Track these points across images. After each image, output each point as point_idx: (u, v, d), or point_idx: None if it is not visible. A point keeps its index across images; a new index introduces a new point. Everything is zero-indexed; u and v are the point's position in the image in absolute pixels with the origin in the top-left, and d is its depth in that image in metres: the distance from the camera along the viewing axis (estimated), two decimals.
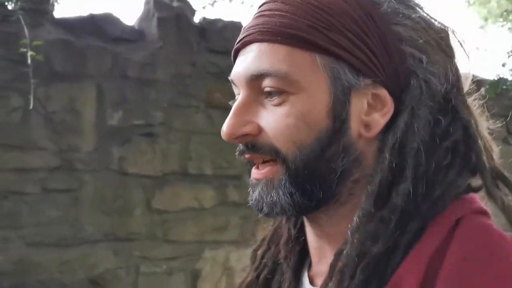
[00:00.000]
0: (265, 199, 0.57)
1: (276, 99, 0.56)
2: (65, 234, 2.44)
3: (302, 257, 0.65)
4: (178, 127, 2.72)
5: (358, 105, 0.57)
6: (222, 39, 2.86)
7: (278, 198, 0.56)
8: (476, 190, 0.59)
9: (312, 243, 0.62)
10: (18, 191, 2.36)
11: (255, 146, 0.57)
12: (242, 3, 4.50)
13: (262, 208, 0.58)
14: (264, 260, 0.68)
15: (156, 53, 2.69)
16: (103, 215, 2.53)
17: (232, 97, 2.72)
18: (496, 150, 0.61)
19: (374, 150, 0.57)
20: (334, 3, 0.56)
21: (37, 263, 2.38)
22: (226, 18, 2.97)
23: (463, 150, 0.57)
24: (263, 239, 0.70)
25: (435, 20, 0.60)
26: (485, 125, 0.60)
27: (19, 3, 2.30)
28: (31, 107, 2.09)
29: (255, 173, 0.59)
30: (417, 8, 0.60)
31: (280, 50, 0.56)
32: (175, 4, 2.82)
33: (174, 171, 2.71)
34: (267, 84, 0.56)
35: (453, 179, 0.55)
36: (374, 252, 0.52)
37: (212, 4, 4.19)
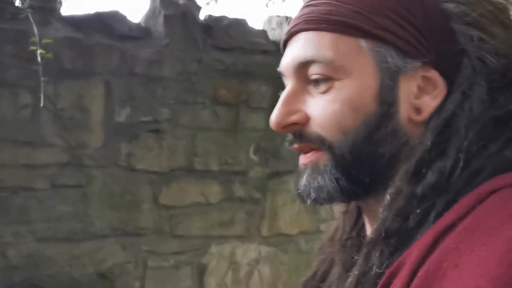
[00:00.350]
0: (312, 184, 0.57)
1: (322, 86, 0.56)
2: (75, 229, 2.48)
3: (356, 252, 0.63)
4: (184, 123, 2.75)
5: (407, 89, 0.55)
6: (227, 37, 2.89)
7: (324, 183, 0.56)
8: None
9: (369, 233, 0.61)
10: (28, 186, 2.40)
11: (303, 135, 0.57)
12: None
13: (309, 194, 0.58)
14: (322, 256, 0.68)
15: (162, 50, 2.72)
16: (111, 211, 2.57)
17: (238, 94, 2.79)
18: None
19: (424, 133, 0.55)
20: None
21: (47, 258, 2.42)
22: (231, 15, 3.00)
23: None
24: (326, 237, 0.70)
25: None
26: None
27: (27, 1, 2.33)
28: (41, 104, 2.13)
29: (302, 158, 0.59)
30: None
31: (326, 37, 0.56)
32: (181, 1, 2.85)
33: (180, 167, 2.74)
34: (314, 71, 0.56)
35: (495, 151, 0.51)
36: (401, 228, 0.50)
37: (216, 0, 4.21)
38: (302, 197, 0.59)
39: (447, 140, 0.52)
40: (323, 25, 0.56)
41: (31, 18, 2.24)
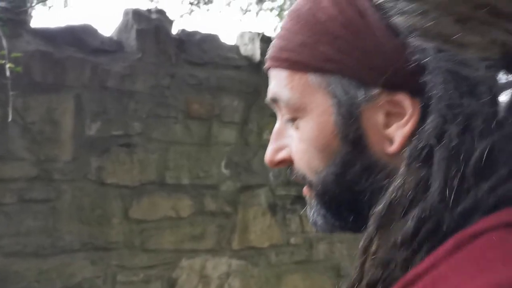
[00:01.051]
0: (311, 217, 0.58)
1: (293, 124, 0.55)
2: (43, 244, 2.45)
3: None
4: (156, 137, 2.76)
5: (373, 119, 0.50)
6: (200, 51, 2.92)
7: (316, 218, 0.57)
8: None
9: None
10: None
11: (293, 171, 0.57)
12: (220, 12, 4.55)
13: (315, 224, 0.58)
14: (360, 271, 0.63)
15: (135, 64, 2.73)
16: (81, 225, 2.55)
17: (210, 108, 2.80)
18: None
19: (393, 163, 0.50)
20: (324, 9, 0.51)
21: (14, 273, 2.39)
22: (204, 30, 3.03)
23: (505, 153, 0.45)
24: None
25: None
26: None
27: None
28: (10, 119, 2.11)
29: (304, 189, 0.58)
30: None
31: (282, 75, 0.54)
32: (153, 16, 2.86)
33: (152, 181, 2.75)
34: (281, 109, 0.56)
35: (486, 192, 0.44)
36: (385, 279, 0.46)
37: (190, 13, 4.23)
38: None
39: (428, 173, 0.45)
40: (277, 63, 0.54)
41: (0, 31, 2.22)
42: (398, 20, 0.48)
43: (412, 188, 0.46)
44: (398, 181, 0.47)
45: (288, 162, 0.57)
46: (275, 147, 0.57)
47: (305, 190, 0.57)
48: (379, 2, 0.49)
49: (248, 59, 3.05)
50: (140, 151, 2.71)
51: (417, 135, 0.47)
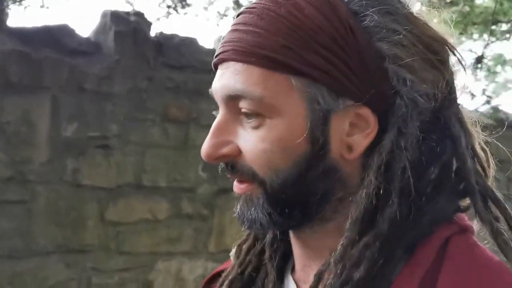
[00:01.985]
0: (245, 215, 0.57)
1: (253, 121, 0.54)
2: (17, 246, 2.42)
3: (286, 258, 0.64)
4: (134, 140, 2.75)
5: (339, 126, 0.54)
6: (178, 55, 2.93)
7: (257, 216, 0.56)
8: (465, 210, 0.57)
9: (296, 250, 0.61)
10: None
11: (235, 168, 0.56)
12: (197, 15, 4.57)
13: (244, 222, 0.58)
14: (249, 257, 0.66)
15: (112, 66, 2.72)
16: (56, 227, 2.52)
17: (188, 111, 2.81)
18: (492, 164, 0.59)
19: (359, 168, 0.55)
20: (310, 18, 0.53)
21: None
22: (180, 31, 3.04)
23: (452, 173, 0.55)
24: (249, 234, 0.68)
25: (429, 31, 0.56)
26: (476, 141, 0.58)
27: None
28: None
29: (235, 186, 0.58)
30: (407, 20, 0.55)
31: (254, 72, 0.53)
32: (132, 18, 2.86)
33: (128, 183, 2.74)
34: (243, 105, 0.54)
35: (442, 205, 0.54)
36: (357, 279, 0.50)
37: (167, 16, 4.24)
38: (239, 221, 0.59)
39: (389, 182, 0.52)
40: (252, 59, 0.53)
41: None
42: (382, 46, 0.53)
43: (378, 193, 0.52)
44: (369, 187, 0.52)
45: (229, 158, 0.56)
46: (216, 142, 0.55)
47: (243, 188, 0.56)
48: (367, 25, 0.53)
49: None
50: (117, 154, 2.70)
51: (378, 148, 0.54)
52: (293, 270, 0.64)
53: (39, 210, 2.48)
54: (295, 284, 0.62)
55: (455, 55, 0.58)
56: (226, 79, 0.55)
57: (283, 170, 0.54)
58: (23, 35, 2.56)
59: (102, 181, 2.65)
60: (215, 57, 0.58)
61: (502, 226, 0.55)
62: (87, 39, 2.80)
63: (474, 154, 0.57)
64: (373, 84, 0.53)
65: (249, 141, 0.54)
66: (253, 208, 0.56)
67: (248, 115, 0.54)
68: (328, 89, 0.53)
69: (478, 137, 0.59)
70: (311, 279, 0.56)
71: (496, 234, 0.54)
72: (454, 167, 0.56)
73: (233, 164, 0.56)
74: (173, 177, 2.85)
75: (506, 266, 0.52)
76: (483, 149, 0.59)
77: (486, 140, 0.60)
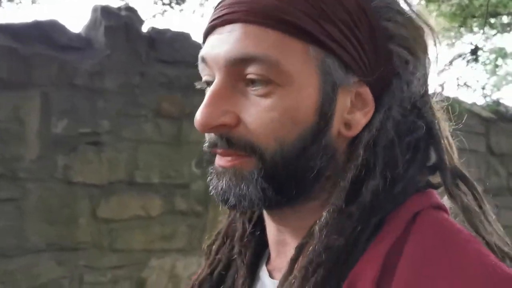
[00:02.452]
0: (233, 190, 0.53)
1: (260, 89, 0.51)
2: (9, 244, 2.39)
3: (257, 252, 0.62)
4: (126, 136, 2.72)
5: (343, 103, 0.54)
6: (171, 50, 2.90)
7: (248, 192, 0.52)
8: (435, 187, 0.58)
9: (272, 237, 0.59)
10: None
11: (231, 140, 0.53)
12: (193, 12, 4.54)
13: (227, 199, 0.53)
14: (218, 256, 0.64)
15: (104, 62, 2.69)
16: (47, 225, 2.50)
17: (181, 107, 2.77)
18: (455, 151, 0.60)
19: (345, 147, 0.55)
20: None
21: None
22: (175, 28, 3.01)
23: (424, 148, 0.56)
24: (218, 233, 0.67)
25: (417, 16, 0.57)
26: (446, 127, 0.60)
27: None
28: None
29: (221, 160, 0.54)
30: (408, 3, 0.56)
31: (270, 35, 0.50)
32: (123, 13, 2.83)
33: (121, 179, 2.71)
34: (253, 70, 0.51)
35: (413, 174, 0.54)
36: (336, 246, 0.50)
37: (162, 14, 4.20)
38: (220, 201, 0.55)
39: (375, 157, 0.53)
40: (269, 21, 0.50)
41: None
42: (389, 25, 0.54)
43: (365, 168, 0.53)
44: (358, 161, 0.53)
45: (225, 129, 0.52)
46: (214, 110, 0.52)
47: (232, 161, 0.53)
48: (376, 4, 0.54)
49: None
50: (108, 150, 2.67)
51: (368, 125, 0.55)
52: (268, 262, 0.61)
53: (31, 207, 2.46)
54: (268, 274, 0.60)
55: (435, 43, 0.58)
56: (233, 41, 0.51)
57: (288, 143, 0.52)
58: (13, 31, 2.53)
59: (94, 178, 2.62)
60: (213, 20, 0.54)
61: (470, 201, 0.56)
62: (78, 34, 2.77)
63: (443, 137, 0.59)
64: (379, 64, 0.54)
65: (254, 110, 0.52)
66: (243, 184, 0.53)
67: (255, 82, 0.51)
68: (340, 63, 0.52)
69: (447, 126, 0.61)
70: (285, 265, 0.54)
71: (464, 208, 0.55)
72: (425, 146, 0.57)
73: (229, 136, 0.52)
74: (167, 173, 2.83)
75: (474, 237, 0.51)
76: (448, 137, 0.61)
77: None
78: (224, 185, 0.54)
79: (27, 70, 2.47)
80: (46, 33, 2.59)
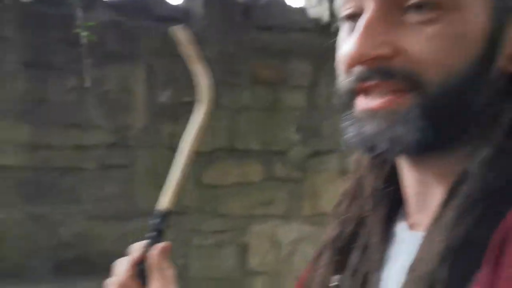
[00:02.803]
0: (385, 134, 0.48)
1: (425, 15, 0.46)
2: (122, 208, 2.56)
3: (391, 209, 0.57)
4: (224, 104, 2.77)
5: (510, 35, 0.48)
6: (266, 16, 2.88)
7: (405, 133, 0.47)
8: None
9: (411, 189, 0.55)
10: (77, 167, 2.48)
11: (389, 72, 0.47)
12: None
13: (375, 146, 0.48)
14: (348, 215, 0.60)
15: (202, 31, 2.74)
16: (155, 190, 2.62)
17: (277, 73, 2.74)
18: None
19: (507, 84, 0.49)
20: None
21: (97, 235, 2.51)
22: None
23: None
24: (344, 194, 0.62)
25: None
26: None
27: None
28: (87, 85, 2.19)
29: (368, 102, 0.49)
30: None
31: None
32: None
33: (221, 147, 2.78)
34: None
35: None
36: (496, 187, 0.45)
37: None
38: (365, 148, 0.49)
39: None
40: None
41: (75, 2, 2.30)
42: None
43: None
44: None
45: (383, 60, 0.48)
46: (373, 40, 0.47)
47: (387, 101, 0.48)
48: None
49: (316, 21, 2.97)
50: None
51: None
52: (404, 219, 0.57)
53: (140, 174, 2.60)
54: (408, 228, 0.55)
55: None
56: None
57: (455, 73, 0.47)
58: (118, 6, 2.65)
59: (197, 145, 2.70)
60: None
61: None
62: (177, 6, 2.85)
63: None
64: None
65: (417, 38, 0.47)
66: (399, 124, 0.47)
67: (420, 7, 0.47)
68: None
69: None
70: (427, 221, 0.49)
71: None
72: None
73: (386, 68, 0.48)
74: (265, 140, 2.85)
75: None
76: None
77: None
78: (373, 129, 0.48)
79: (132, 42, 2.59)
80: (148, 6, 2.69)
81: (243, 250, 2.83)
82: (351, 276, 0.58)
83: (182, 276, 2.65)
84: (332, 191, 3.00)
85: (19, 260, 2.43)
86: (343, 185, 0.65)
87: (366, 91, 0.49)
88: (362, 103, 0.49)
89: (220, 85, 2.90)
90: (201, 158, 2.72)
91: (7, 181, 2.42)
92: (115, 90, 2.54)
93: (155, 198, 2.72)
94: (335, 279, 0.58)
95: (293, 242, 2.92)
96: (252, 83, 2.83)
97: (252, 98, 2.83)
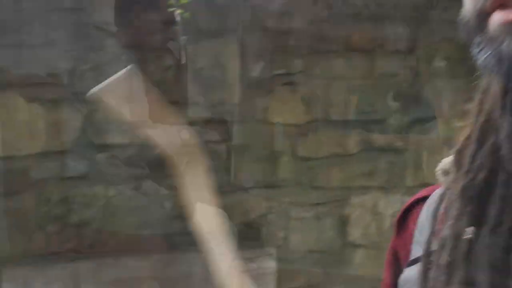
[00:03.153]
0: None
1: None
2: (221, 182, 2.62)
3: None
4: (318, 73, 2.71)
5: None
6: None
7: None
8: None
9: None
10: None
11: None
12: None
13: None
14: (478, 161, 0.53)
15: (291, 1, 2.68)
16: (252, 164, 2.66)
17: (372, 38, 2.57)
18: None
19: None
20: None
21: None
22: None
23: None
24: (467, 138, 0.55)
25: None
26: None
27: None
28: (183, 61, 2.25)
29: (508, 14, 0.43)
30: None
31: None
32: None
33: (316, 118, 2.72)
34: None
35: None
36: None
37: None
38: (504, 70, 0.43)
39: None
40: None
41: None
42: None
43: None
44: None
45: None
46: None
47: None
48: None
49: None
50: (302, 89, 2.69)
51: None
52: None
53: (237, 148, 2.63)
54: None
55: None
56: None
57: None
58: None
59: (291, 118, 2.68)
60: None
61: None
62: None
63: None
64: None
65: None
66: None
67: None
68: None
69: None
70: None
71: None
72: None
73: None
74: (362, 109, 2.74)
75: None
76: None
77: None
78: None
79: (223, 18, 2.60)
80: None
81: (343, 222, 2.78)
82: (492, 230, 0.50)
83: (282, 248, 2.67)
84: (434, 160, 2.83)
85: (131, 233, 2.60)
86: (463, 130, 0.55)
87: (503, 5, 0.42)
88: (499, 17, 0.42)
89: (312, 55, 2.84)
90: (295, 130, 2.70)
91: (115, 159, 2.58)
92: (209, 67, 2.58)
93: (252, 172, 2.74)
94: (469, 231, 0.51)
95: (396, 214, 2.81)
96: (345, 51, 2.73)
97: (346, 66, 2.73)
